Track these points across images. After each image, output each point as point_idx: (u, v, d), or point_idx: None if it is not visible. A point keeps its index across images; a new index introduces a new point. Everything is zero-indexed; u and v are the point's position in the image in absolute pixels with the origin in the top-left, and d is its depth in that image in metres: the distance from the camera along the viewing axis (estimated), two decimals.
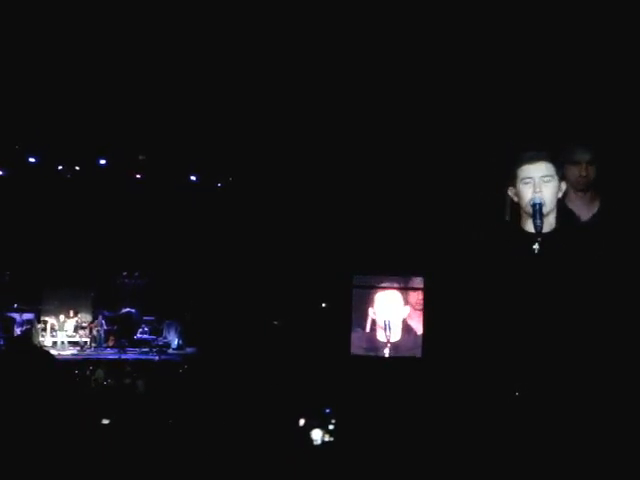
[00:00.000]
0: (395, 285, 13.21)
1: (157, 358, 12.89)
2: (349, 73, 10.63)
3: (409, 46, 9.72)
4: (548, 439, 3.22)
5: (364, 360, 12.53)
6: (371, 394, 9.27)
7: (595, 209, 4.52)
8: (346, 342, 12.75)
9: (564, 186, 3.39)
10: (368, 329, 12.94)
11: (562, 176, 3.43)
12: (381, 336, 12.87)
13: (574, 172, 4.44)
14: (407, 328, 12.96)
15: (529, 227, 3.29)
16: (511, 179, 3.42)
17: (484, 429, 3.42)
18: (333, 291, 13.12)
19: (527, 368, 3.25)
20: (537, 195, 3.26)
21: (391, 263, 12.67)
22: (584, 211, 4.50)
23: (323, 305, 13.33)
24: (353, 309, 13.02)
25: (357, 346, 12.87)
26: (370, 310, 12.97)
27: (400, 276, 13.09)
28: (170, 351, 13.92)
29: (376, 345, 12.85)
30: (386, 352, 12.83)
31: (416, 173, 11.73)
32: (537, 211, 3.22)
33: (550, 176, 3.31)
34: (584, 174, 4.44)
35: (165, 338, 14.22)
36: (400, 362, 12.36)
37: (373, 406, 8.38)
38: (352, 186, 12.50)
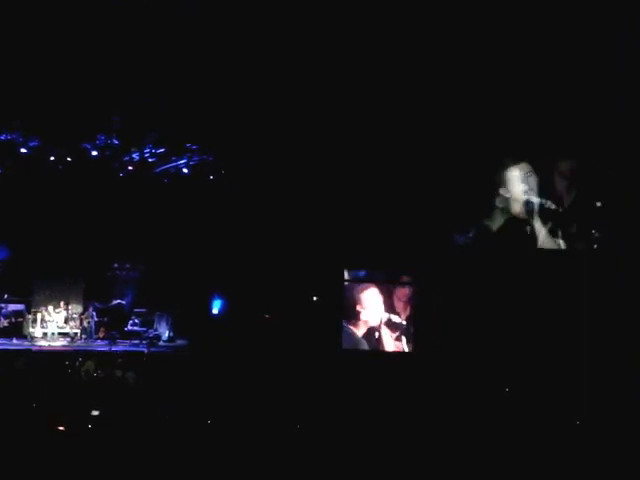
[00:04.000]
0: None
1: (146, 350, 12.90)
2: (351, 72, 10.65)
3: (413, 50, 9.80)
4: (540, 433, 3.27)
5: (352, 354, 12.61)
6: (360, 387, 9.33)
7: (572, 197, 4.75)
8: (336, 336, 12.80)
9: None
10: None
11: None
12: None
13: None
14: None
15: None
16: None
17: (475, 423, 3.47)
18: (325, 285, 13.15)
19: (517, 365, 3.30)
20: None
21: (381, 259, 12.70)
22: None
23: (315, 299, 13.35)
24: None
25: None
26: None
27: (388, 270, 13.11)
28: (161, 343, 13.91)
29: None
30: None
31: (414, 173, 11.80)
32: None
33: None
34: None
35: (156, 330, 14.20)
36: (389, 356, 12.43)
37: (362, 398, 8.43)
38: (350, 183, 12.55)
